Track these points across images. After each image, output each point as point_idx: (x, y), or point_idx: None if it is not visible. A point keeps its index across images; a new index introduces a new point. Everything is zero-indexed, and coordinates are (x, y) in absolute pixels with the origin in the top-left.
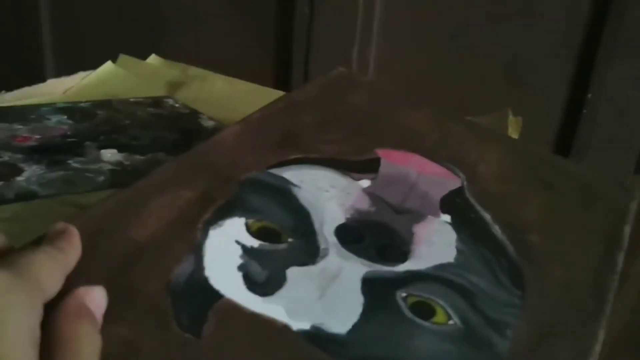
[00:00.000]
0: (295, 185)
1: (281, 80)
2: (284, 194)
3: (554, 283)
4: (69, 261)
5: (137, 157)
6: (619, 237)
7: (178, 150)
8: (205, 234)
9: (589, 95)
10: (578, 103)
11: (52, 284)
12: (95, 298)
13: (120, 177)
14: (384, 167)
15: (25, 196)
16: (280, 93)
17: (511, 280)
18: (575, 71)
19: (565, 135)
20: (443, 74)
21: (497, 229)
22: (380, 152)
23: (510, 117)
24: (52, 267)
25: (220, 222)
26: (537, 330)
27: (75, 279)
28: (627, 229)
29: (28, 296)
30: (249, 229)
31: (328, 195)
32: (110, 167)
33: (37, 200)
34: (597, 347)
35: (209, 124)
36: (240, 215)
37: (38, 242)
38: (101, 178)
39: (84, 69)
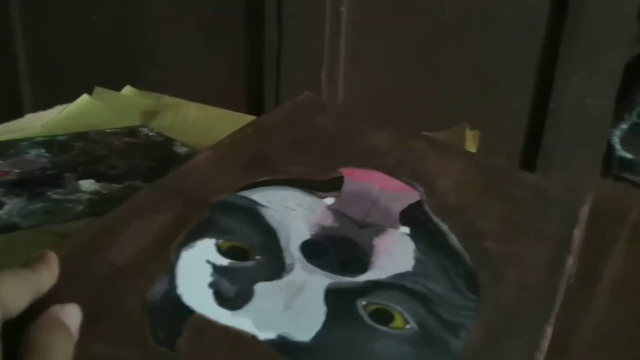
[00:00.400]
0: (263, 206)
1: (254, 106)
2: (253, 214)
3: (507, 286)
4: (41, 280)
5: (114, 185)
6: (568, 240)
7: (153, 177)
8: (178, 255)
9: (551, 105)
10: (542, 113)
11: (16, 304)
12: (69, 313)
13: (98, 205)
14: (347, 185)
15: (7, 228)
16: (252, 118)
17: (467, 285)
18: (536, 82)
19: (531, 144)
20: (409, 91)
21: (453, 239)
22: (344, 171)
23: (468, 131)
24: (20, 287)
25: (191, 244)
26: (489, 330)
27: (55, 301)
28: (577, 233)
29: None
30: (219, 248)
31: (294, 214)
32: (88, 196)
33: (18, 232)
34: (545, 343)
35: (183, 150)
36: (211, 236)
37: None
38: (80, 207)
39: (61, 102)
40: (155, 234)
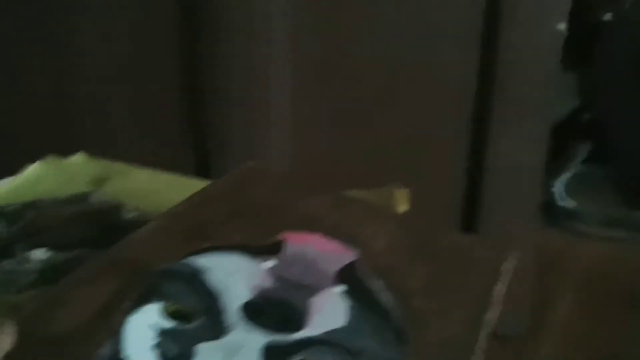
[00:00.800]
0: (205, 271)
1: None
2: (194, 279)
3: (432, 339)
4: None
5: (66, 254)
6: (489, 295)
7: (101, 245)
8: (124, 321)
9: (487, 164)
10: (478, 172)
11: None
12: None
13: (50, 274)
14: (286, 248)
15: None
16: (201, 183)
17: (398, 340)
18: (471, 142)
19: (470, 202)
20: (343, 152)
21: (385, 296)
22: (283, 236)
23: (397, 190)
24: None
25: (137, 309)
26: None
27: None
28: (499, 287)
29: None
30: (164, 312)
31: (235, 278)
32: (40, 265)
33: None
34: None
35: (132, 215)
36: (157, 301)
37: None
38: (32, 277)
39: (11, 173)
40: (104, 301)
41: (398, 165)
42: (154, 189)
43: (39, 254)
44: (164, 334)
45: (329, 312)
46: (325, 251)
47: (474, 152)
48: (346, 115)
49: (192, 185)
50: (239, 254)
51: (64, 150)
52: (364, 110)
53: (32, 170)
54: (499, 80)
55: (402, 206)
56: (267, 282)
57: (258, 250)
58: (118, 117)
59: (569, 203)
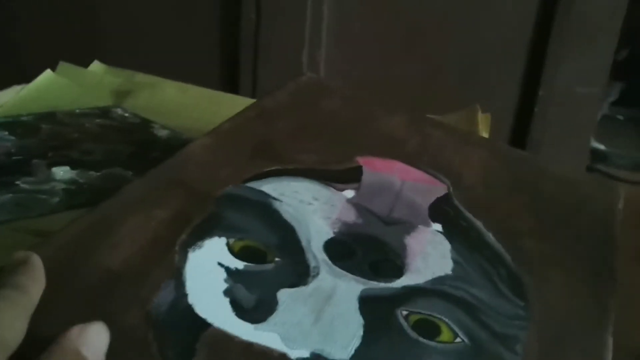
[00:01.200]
0: (276, 199)
1: (228, 85)
2: (265, 209)
3: (556, 291)
4: (32, 301)
5: (92, 173)
6: (612, 240)
7: (135, 164)
8: (184, 257)
9: (541, 92)
10: (530, 100)
11: (15, 335)
12: (93, 340)
13: (76, 197)
14: (366, 176)
15: None
16: (237, 98)
17: (512, 290)
18: (526, 69)
19: (518, 133)
20: (394, 75)
21: (490, 237)
22: (361, 160)
23: (480, 114)
24: (13, 315)
25: (199, 243)
26: (547, 343)
27: (42, 317)
28: (617, 231)
29: None
30: (231, 249)
31: (312, 209)
32: (63, 186)
33: None
34: (609, 356)
35: (163, 133)
36: (220, 235)
37: None
38: (55, 199)
39: (18, 81)
40: (155, 232)
41: (447, 88)
42: (183, 103)
43: (62, 173)
44: (236, 276)
45: (432, 255)
46: (412, 181)
47: (528, 80)
48: (397, 35)
49: (225, 100)
50: (311, 179)
51: (81, 57)
52: (418, 33)
53: (46, 78)
54: (563, 1)
55: (485, 132)
56: (350, 216)
57: (333, 175)
58: (147, 24)
59: (597, 145)
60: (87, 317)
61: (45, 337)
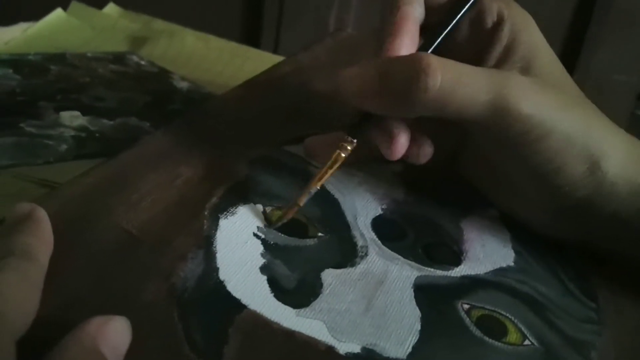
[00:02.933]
0: (316, 167)
1: (249, 42)
2: (306, 176)
3: (628, 292)
4: (42, 270)
5: (105, 121)
6: None
7: (151, 114)
8: (214, 224)
9: (575, 77)
10: None
11: (26, 316)
12: (114, 338)
13: (86, 145)
14: None
15: None
16: (263, 54)
17: (581, 290)
18: (562, 52)
19: None
20: None
21: None
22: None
23: None
24: (24, 290)
25: (231, 209)
26: (624, 351)
27: (50, 287)
28: None
29: None
30: (268, 218)
31: (356, 181)
32: (73, 132)
33: None
34: None
35: (183, 84)
36: (256, 201)
37: None
38: (63, 146)
39: (25, 19)
40: (180, 193)
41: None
42: (203, 55)
43: (72, 118)
44: (274, 251)
45: (491, 243)
46: None
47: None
48: None
49: (250, 54)
50: None
51: None
52: None
53: (56, 16)
54: None
55: None
56: (399, 192)
57: None
58: None
59: None
60: (101, 288)
61: (49, 318)
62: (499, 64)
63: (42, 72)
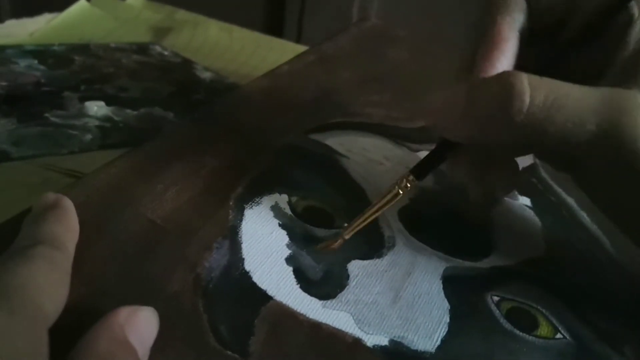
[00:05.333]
0: (342, 156)
1: (271, 32)
2: (332, 166)
3: None
4: (69, 259)
5: (129, 111)
6: None
7: (175, 104)
8: (240, 214)
9: None
10: None
11: (57, 304)
12: (142, 328)
13: (110, 135)
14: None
15: None
16: (287, 44)
17: (614, 281)
18: None
19: None
20: (453, 32)
21: (584, 217)
22: None
23: None
24: (54, 278)
25: (257, 199)
26: None
27: (76, 276)
28: None
29: (27, 338)
30: (293, 209)
31: (383, 169)
32: (97, 123)
33: (10, 163)
34: None
35: (206, 75)
36: (282, 191)
37: (18, 220)
38: (88, 136)
39: (49, 9)
40: (205, 182)
41: None
42: (227, 45)
43: (97, 108)
44: (300, 241)
45: (521, 233)
46: None
47: None
48: None
49: (274, 45)
50: (381, 136)
51: None
52: None
53: (80, 7)
54: None
55: None
56: (427, 182)
57: (406, 134)
58: None
59: None
60: (125, 277)
61: (76, 306)
62: (620, 81)
63: (67, 62)
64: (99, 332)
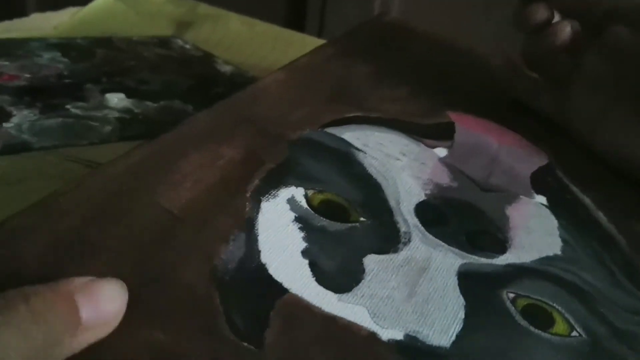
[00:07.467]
0: (359, 150)
1: (293, 26)
2: (348, 160)
3: None
4: None
5: (149, 104)
6: None
7: (195, 97)
8: (256, 207)
9: None
10: None
11: None
12: (99, 300)
13: (130, 127)
14: (460, 134)
15: (16, 147)
16: (308, 39)
17: (631, 281)
18: None
19: None
20: (472, 27)
21: (601, 216)
22: (453, 116)
23: None
24: None
25: (273, 192)
26: None
27: (90, 260)
28: None
29: None
30: (309, 202)
31: (400, 165)
32: (117, 114)
33: (31, 153)
34: None
35: (226, 69)
36: (298, 185)
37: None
38: (108, 128)
39: (73, 3)
40: (222, 173)
41: None
42: (248, 39)
43: (117, 100)
44: (316, 234)
45: (537, 231)
46: (510, 146)
47: None
48: None
49: (295, 39)
50: (398, 131)
51: None
52: None
53: (102, 2)
54: None
55: None
56: (443, 177)
57: (422, 130)
58: None
59: None
60: (141, 265)
61: None
62: None
63: (89, 55)
64: (42, 288)
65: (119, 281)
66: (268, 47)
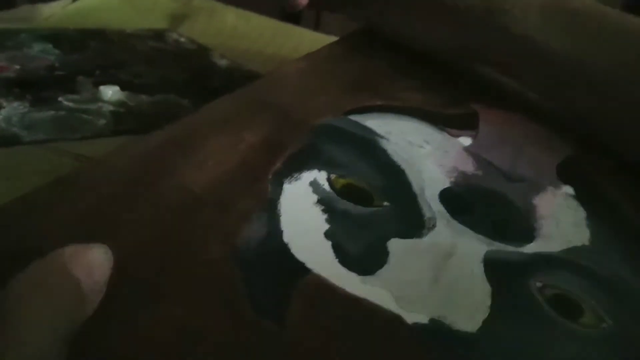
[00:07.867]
0: (382, 137)
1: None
2: (371, 146)
3: None
4: None
5: (144, 97)
6: None
7: (191, 91)
8: (279, 188)
9: None
10: None
11: None
12: (89, 261)
13: (124, 121)
14: (484, 125)
15: (6, 141)
16: (305, 32)
17: None
18: None
19: None
20: None
21: (628, 208)
22: (477, 107)
23: None
24: None
25: (296, 175)
26: None
27: (111, 237)
28: None
29: None
30: (332, 186)
31: (423, 152)
32: (111, 108)
33: (21, 147)
34: None
35: (222, 62)
36: (320, 169)
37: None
38: (102, 121)
39: None
40: (244, 156)
41: None
42: (244, 32)
43: (112, 93)
44: (339, 217)
45: (565, 221)
46: (535, 137)
47: None
48: None
49: (292, 32)
50: (421, 120)
51: None
52: None
53: None
54: None
55: None
56: (468, 166)
57: (444, 119)
58: None
59: None
60: (164, 243)
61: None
62: None
63: (82, 47)
64: (38, 264)
65: (102, 245)
66: (264, 40)
